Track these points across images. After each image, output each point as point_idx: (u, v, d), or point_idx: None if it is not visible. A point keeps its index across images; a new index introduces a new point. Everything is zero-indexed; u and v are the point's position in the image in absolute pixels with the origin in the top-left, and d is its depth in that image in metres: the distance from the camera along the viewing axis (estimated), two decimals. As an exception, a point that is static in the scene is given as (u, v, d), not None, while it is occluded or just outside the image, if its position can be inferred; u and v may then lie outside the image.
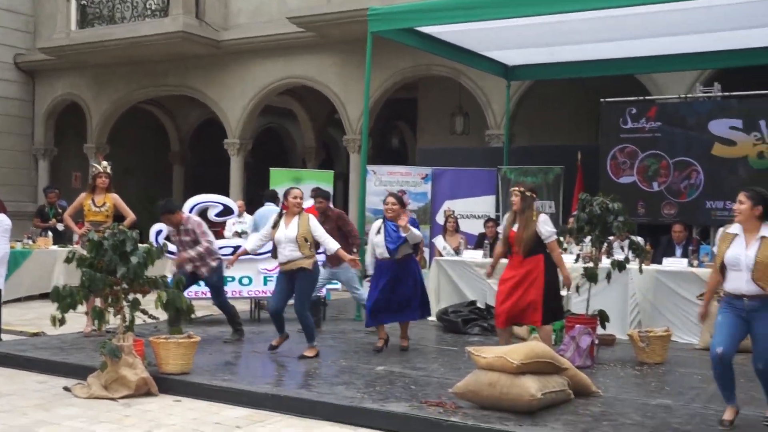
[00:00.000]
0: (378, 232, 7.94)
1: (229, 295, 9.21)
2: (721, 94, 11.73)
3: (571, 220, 9.55)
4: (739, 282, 5.24)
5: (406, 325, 8.22)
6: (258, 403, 6.16)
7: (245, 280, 10.00)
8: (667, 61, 11.74)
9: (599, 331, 7.88)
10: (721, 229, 5.53)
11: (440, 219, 12.77)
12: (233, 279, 9.85)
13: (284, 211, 7.70)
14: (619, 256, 8.22)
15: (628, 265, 7.90)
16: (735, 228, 5.39)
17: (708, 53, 11.34)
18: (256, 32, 16.89)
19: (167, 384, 6.57)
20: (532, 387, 5.54)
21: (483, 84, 14.90)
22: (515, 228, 7.23)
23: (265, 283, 10.02)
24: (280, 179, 14.12)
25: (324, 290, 10.53)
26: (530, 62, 12.62)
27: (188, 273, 8.20)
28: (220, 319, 9.19)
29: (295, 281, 7.65)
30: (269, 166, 14.87)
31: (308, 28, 15.55)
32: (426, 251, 12.56)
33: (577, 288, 7.96)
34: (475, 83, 15.10)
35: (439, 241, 11.38)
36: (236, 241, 10.05)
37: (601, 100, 12.52)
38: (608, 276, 7.77)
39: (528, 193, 7.24)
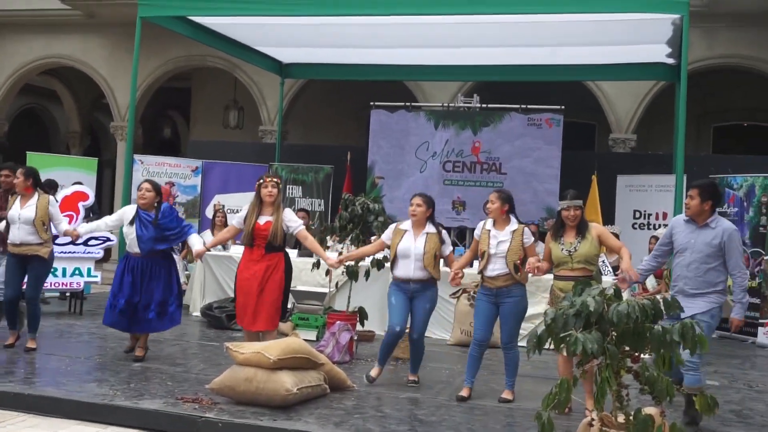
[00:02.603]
0: (131, 222, 7.10)
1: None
2: (479, 105, 12.55)
3: (337, 218, 9.79)
4: (406, 268, 6.49)
5: (145, 335, 7.32)
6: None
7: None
8: (432, 71, 12.40)
9: (359, 327, 8.14)
10: (393, 225, 6.81)
11: (209, 213, 12.62)
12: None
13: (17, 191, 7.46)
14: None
15: (387, 264, 8.20)
16: (406, 225, 6.61)
17: (469, 66, 12.08)
18: (16, 5, 15.80)
19: None
20: (288, 382, 5.64)
21: (258, 79, 14.92)
22: (262, 220, 6.83)
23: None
24: (38, 164, 13.22)
25: (82, 283, 10.08)
26: (304, 61, 12.80)
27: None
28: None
29: (28, 267, 7.32)
30: (29, 150, 13.93)
31: (75, 6, 14.78)
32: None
33: (337, 285, 8.17)
34: (251, 78, 15.09)
35: (207, 236, 11.23)
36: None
37: (371, 103, 12.96)
38: (366, 274, 8.05)
39: (280, 185, 7.06)
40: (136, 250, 7.09)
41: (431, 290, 6.60)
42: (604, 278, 6.97)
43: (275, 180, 6.96)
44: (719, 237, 5.64)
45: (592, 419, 4.13)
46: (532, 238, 6.36)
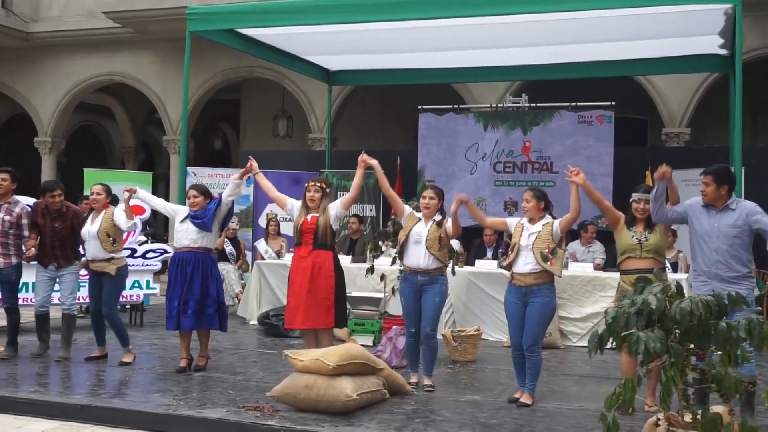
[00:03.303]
0: (183, 221, 7.26)
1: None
2: (528, 105, 12.47)
3: (390, 223, 9.82)
4: (417, 256, 6.55)
5: (205, 339, 7.39)
6: (68, 415, 5.92)
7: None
8: (480, 72, 12.30)
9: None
10: (411, 210, 6.89)
11: (263, 222, 12.74)
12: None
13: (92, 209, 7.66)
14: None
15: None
16: (420, 214, 6.72)
17: (517, 66, 11.99)
18: (70, 25, 16.21)
19: (-34, 398, 6.19)
20: (347, 388, 5.66)
21: (306, 87, 15.04)
22: (309, 217, 6.86)
23: (79, 289, 9.56)
24: (95, 180, 13.52)
25: (141, 295, 10.26)
26: (351, 68, 12.83)
27: None
28: (28, 327, 8.71)
29: (103, 283, 7.51)
30: (85, 166, 14.28)
31: (126, 24, 15.08)
32: (248, 254, 12.51)
33: (393, 290, 8.18)
34: (298, 87, 15.21)
35: (261, 245, 11.36)
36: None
37: (419, 107, 12.96)
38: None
39: (326, 189, 7.05)
40: (185, 242, 7.18)
41: (440, 283, 6.61)
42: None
43: (318, 185, 6.93)
44: (743, 216, 5.62)
45: (658, 419, 4.07)
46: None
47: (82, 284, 9.14)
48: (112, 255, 7.49)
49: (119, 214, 7.55)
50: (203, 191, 7.36)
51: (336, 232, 7.16)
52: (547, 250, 6.06)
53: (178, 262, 7.21)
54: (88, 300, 8.27)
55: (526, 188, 6.53)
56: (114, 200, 7.82)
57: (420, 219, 6.72)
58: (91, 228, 7.50)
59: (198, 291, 7.12)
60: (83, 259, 7.87)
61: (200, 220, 7.17)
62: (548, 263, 6.06)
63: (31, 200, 8.49)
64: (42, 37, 16.54)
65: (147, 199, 7.73)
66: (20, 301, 8.47)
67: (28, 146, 17.58)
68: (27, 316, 8.57)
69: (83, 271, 7.96)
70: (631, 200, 6.16)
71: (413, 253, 6.61)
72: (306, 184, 7.01)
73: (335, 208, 6.97)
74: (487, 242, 10.93)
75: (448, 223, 6.62)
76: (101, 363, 7.53)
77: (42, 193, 7.83)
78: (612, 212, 6.21)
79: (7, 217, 7.65)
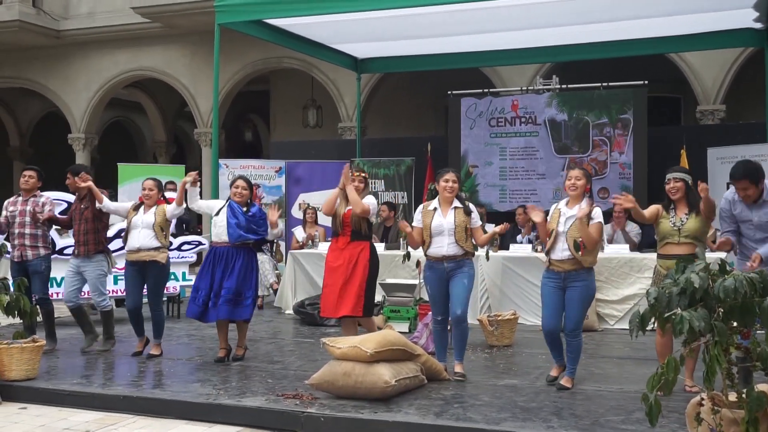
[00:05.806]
0: (218, 213, 7.25)
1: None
2: (558, 86, 12.34)
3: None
4: (441, 246, 6.33)
5: (243, 329, 7.40)
6: (110, 406, 5.99)
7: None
8: (510, 55, 12.21)
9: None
10: (420, 207, 6.66)
11: (296, 212, 12.78)
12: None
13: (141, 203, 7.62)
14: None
15: (477, 252, 8.13)
16: (433, 203, 6.48)
17: (547, 48, 11.86)
18: (99, 22, 16.35)
19: (11, 391, 6.28)
20: (386, 374, 5.66)
21: (335, 77, 15.03)
22: (346, 209, 6.99)
23: (115, 282, 9.69)
24: (129, 175, 13.72)
25: (178, 287, 10.35)
26: (379, 55, 12.78)
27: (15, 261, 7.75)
28: (68, 321, 8.84)
29: (147, 274, 7.48)
30: (118, 161, 14.42)
31: (154, 19, 15.18)
32: (282, 245, 12.56)
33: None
34: (327, 76, 15.22)
35: (299, 231, 11.44)
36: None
37: (449, 92, 12.88)
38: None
39: (367, 178, 7.21)
40: (224, 238, 7.15)
41: (467, 266, 6.41)
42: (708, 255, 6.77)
43: (362, 175, 7.13)
44: None
45: (702, 398, 4.02)
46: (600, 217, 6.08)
47: (119, 277, 9.25)
48: (162, 245, 7.50)
49: (171, 208, 7.55)
50: (251, 186, 7.39)
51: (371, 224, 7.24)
52: (581, 240, 5.90)
53: (214, 254, 7.21)
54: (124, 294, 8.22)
55: (574, 167, 6.40)
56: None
57: (436, 209, 6.44)
58: (144, 218, 7.46)
59: (234, 283, 7.10)
60: (120, 251, 7.92)
61: (255, 231, 7.20)
62: (579, 252, 5.89)
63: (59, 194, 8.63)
64: (72, 35, 16.70)
65: (197, 199, 7.55)
66: (52, 296, 8.56)
67: (62, 143, 17.77)
68: (63, 310, 8.69)
69: (121, 264, 8.00)
70: (665, 182, 6.07)
71: (436, 243, 6.37)
72: (351, 174, 7.08)
73: (372, 202, 7.07)
74: (520, 222, 10.87)
75: (474, 215, 6.45)
76: (138, 356, 7.55)
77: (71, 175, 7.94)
78: (648, 214, 6.08)
79: (35, 208, 7.73)
